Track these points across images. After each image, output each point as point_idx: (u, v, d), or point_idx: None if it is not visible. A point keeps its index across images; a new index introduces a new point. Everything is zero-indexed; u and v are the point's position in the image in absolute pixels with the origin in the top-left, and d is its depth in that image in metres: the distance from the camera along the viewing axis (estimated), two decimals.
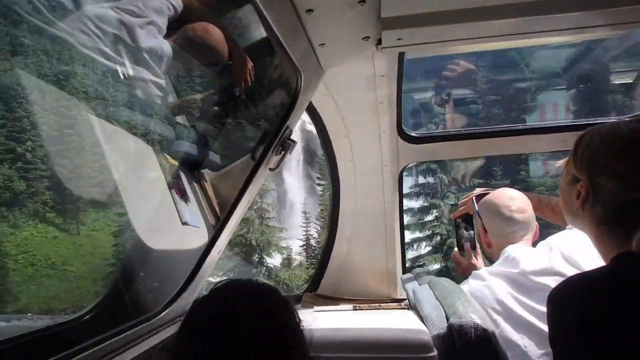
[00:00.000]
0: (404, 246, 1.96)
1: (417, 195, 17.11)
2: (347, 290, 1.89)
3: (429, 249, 17.02)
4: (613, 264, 0.81)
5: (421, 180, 17.10)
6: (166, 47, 1.35)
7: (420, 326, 1.24)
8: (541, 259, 1.36)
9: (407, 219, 16.72)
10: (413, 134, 1.82)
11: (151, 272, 1.16)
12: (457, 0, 1.04)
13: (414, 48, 1.25)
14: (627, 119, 1.69)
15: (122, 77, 1.25)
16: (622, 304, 0.73)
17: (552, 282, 1.24)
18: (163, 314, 1.15)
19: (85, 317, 0.95)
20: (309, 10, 1.01)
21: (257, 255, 16.94)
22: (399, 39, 1.14)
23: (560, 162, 1.04)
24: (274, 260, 17.39)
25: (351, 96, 1.59)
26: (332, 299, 1.84)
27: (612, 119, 1.99)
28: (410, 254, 16.62)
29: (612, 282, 0.78)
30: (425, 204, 17.07)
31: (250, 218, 16.80)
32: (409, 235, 16.75)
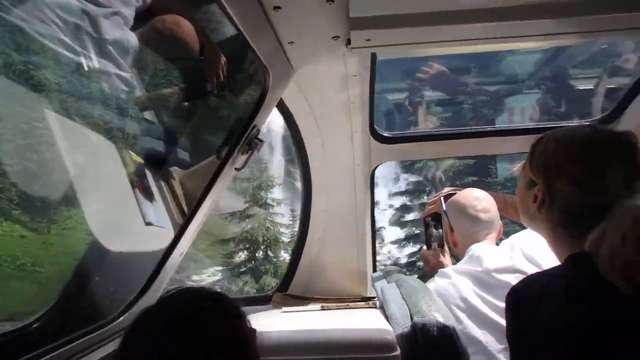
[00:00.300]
0: (374, 245, 1.98)
1: (413, 192, 17.27)
2: (318, 289, 1.89)
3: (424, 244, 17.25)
4: (567, 263, 0.84)
5: (418, 178, 17.28)
6: (132, 39, 1.29)
7: (385, 325, 1.25)
8: (503, 257, 1.40)
9: (398, 215, 16.96)
10: (385, 134, 1.83)
11: (107, 275, 1.10)
12: (427, 3, 1.03)
13: (384, 49, 1.25)
14: (587, 123, 1.77)
15: (84, 69, 1.19)
16: (579, 304, 0.75)
17: (514, 279, 1.27)
18: (119, 320, 1.10)
19: (33, 326, 0.89)
20: (277, 8, 0.98)
21: (262, 252, 16.56)
22: (368, 40, 1.12)
23: (517, 167, 1.07)
24: (280, 256, 16.98)
25: (323, 96, 1.58)
26: (302, 299, 1.83)
27: (576, 123, 2.08)
28: (407, 250, 16.86)
29: (569, 281, 0.80)
30: (422, 200, 17.23)
31: (257, 214, 16.49)
32: (405, 232, 16.99)
